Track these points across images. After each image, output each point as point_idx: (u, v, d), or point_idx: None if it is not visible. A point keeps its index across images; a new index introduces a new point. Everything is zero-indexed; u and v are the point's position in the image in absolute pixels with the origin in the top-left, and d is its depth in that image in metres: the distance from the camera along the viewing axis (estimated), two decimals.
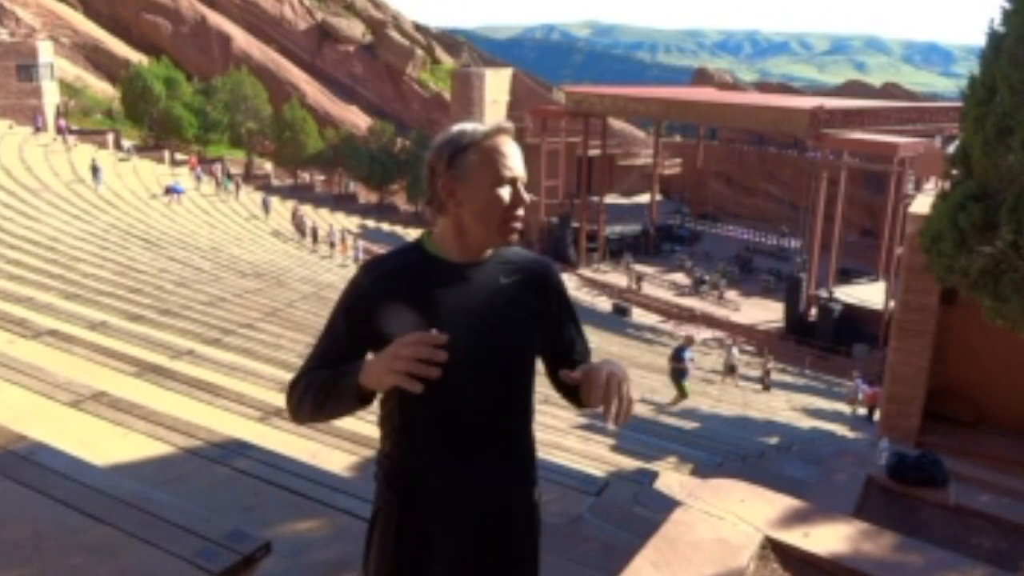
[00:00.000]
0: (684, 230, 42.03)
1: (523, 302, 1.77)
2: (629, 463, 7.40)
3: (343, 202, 45.60)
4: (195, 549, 2.79)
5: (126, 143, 40.82)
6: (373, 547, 1.88)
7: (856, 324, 27.48)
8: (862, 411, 17.51)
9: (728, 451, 9.85)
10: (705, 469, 8.00)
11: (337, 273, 25.73)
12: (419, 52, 58.84)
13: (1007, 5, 7.17)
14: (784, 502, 3.32)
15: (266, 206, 35.24)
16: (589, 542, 3.84)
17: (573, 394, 1.86)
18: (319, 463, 4.52)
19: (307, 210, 38.97)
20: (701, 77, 56.45)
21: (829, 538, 3.08)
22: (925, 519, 5.22)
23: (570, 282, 33.60)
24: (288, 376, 7.86)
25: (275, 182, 44.64)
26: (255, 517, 3.50)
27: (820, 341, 26.77)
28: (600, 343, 19.77)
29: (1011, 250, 6.79)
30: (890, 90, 48.47)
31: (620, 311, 31.26)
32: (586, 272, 36.73)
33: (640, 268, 35.34)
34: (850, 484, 5.63)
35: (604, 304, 32.51)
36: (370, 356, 1.72)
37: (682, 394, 13.95)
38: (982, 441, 8.74)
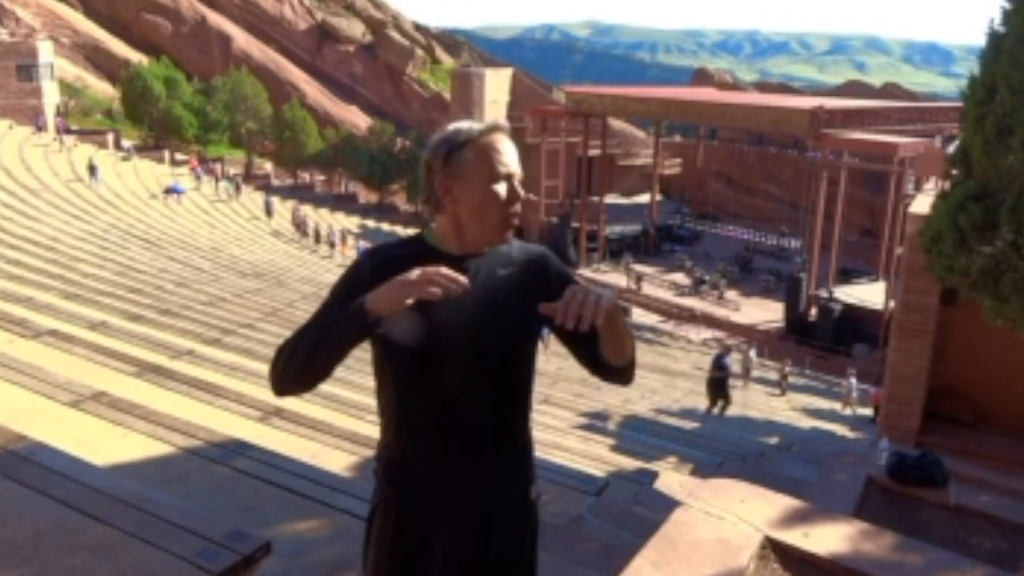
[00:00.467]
0: (684, 230, 42.01)
1: (521, 292, 1.78)
2: (629, 463, 7.40)
3: (343, 202, 45.61)
4: (195, 549, 2.79)
5: (126, 143, 40.82)
6: (371, 542, 1.89)
7: (856, 324, 27.47)
8: (864, 411, 17.50)
9: (728, 451, 9.85)
10: (705, 469, 8.00)
11: (337, 273, 25.68)
12: (419, 52, 58.85)
13: (1007, 5, 7.17)
14: (784, 502, 3.32)
15: (268, 208, 35.15)
16: (589, 542, 3.84)
17: (595, 367, 1.84)
18: (319, 463, 4.52)
19: (307, 210, 38.96)
20: (701, 77, 56.44)
21: (829, 538, 3.08)
22: (925, 519, 5.22)
23: None
24: None
25: (275, 182, 44.64)
26: (255, 517, 3.50)
27: (820, 341, 26.76)
28: None
29: (1011, 250, 6.79)
30: (890, 90, 48.46)
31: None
32: (586, 272, 36.72)
33: (640, 268, 35.33)
34: (850, 484, 5.63)
35: None
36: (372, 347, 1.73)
37: (727, 401, 14.03)
38: (982, 441, 8.74)
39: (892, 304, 20.48)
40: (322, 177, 48.63)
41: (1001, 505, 5.50)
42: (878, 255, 30.12)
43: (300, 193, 43.68)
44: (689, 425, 12.34)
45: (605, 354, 1.77)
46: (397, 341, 1.68)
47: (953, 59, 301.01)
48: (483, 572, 1.83)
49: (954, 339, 9.12)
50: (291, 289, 18.60)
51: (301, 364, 1.71)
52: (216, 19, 55.24)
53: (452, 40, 70.24)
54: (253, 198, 38.15)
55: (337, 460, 4.98)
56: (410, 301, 1.54)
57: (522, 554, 1.89)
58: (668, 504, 4.45)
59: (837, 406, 18.16)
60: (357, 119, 53.85)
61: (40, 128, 36.01)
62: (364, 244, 33.33)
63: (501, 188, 1.72)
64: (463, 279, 1.55)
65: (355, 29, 58.78)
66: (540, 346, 1.98)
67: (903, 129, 29.68)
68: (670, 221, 42.39)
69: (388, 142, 47.48)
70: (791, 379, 20.16)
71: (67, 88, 45.45)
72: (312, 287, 19.88)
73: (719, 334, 29.45)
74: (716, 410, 13.97)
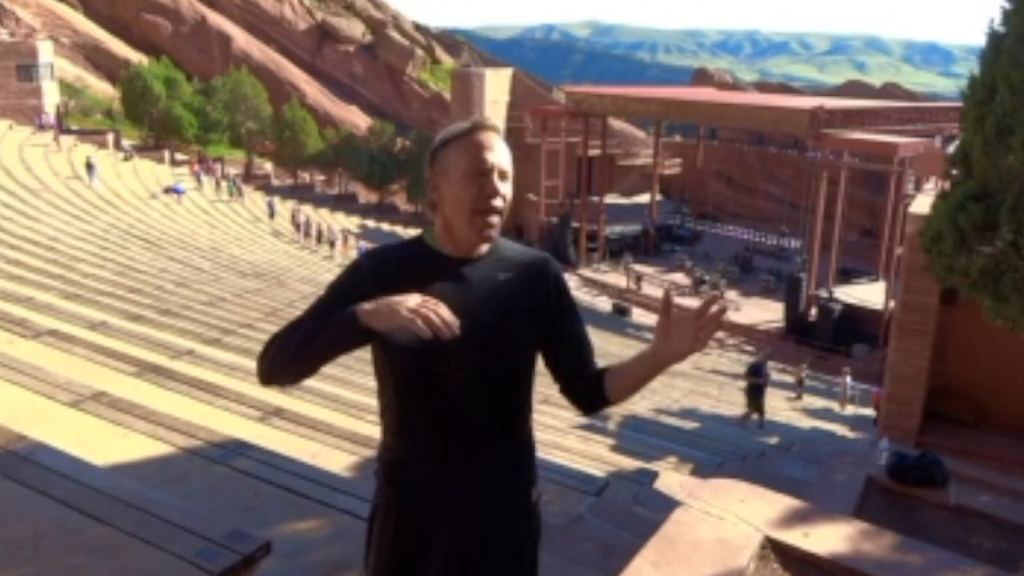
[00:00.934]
0: (684, 230, 41.99)
1: (521, 297, 1.78)
2: (629, 463, 7.40)
3: (343, 202, 45.60)
4: (195, 549, 2.79)
5: (127, 143, 40.82)
6: (372, 543, 1.89)
7: (856, 324, 27.47)
8: (864, 411, 17.49)
9: (728, 451, 9.86)
10: (705, 469, 8.00)
11: (337, 273, 25.69)
12: (419, 52, 58.84)
13: (1007, 5, 7.17)
14: (784, 502, 3.32)
15: (271, 209, 35.03)
16: (589, 542, 3.84)
17: (577, 394, 1.88)
18: (319, 463, 4.52)
19: (307, 210, 38.96)
20: (701, 77, 56.42)
21: (829, 538, 3.08)
22: (925, 519, 5.22)
23: (570, 282, 33.19)
24: None
25: (275, 182, 44.63)
26: (255, 517, 3.50)
27: (820, 341, 26.75)
28: (600, 343, 19.76)
29: (1011, 250, 6.79)
30: (890, 90, 48.41)
31: (620, 311, 31.25)
32: (586, 272, 36.72)
33: (640, 268, 35.32)
34: (850, 484, 5.64)
35: (604, 304, 32.50)
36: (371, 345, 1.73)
37: (759, 410, 13.81)
38: (982, 441, 8.75)
39: (892, 304, 20.48)
40: (322, 177, 48.62)
41: (1001, 505, 5.50)
42: (878, 255, 30.11)
43: (300, 193, 43.67)
44: (689, 425, 12.35)
45: (619, 391, 1.84)
46: (398, 341, 1.68)
47: (953, 59, 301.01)
48: (484, 573, 1.83)
49: (954, 339, 9.13)
50: (291, 289, 18.60)
51: (289, 361, 1.69)
52: (216, 19, 55.24)
53: (452, 40, 70.23)
54: (254, 198, 38.14)
55: (337, 460, 4.98)
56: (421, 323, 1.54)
57: (523, 555, 1.89)
58: (668, 504, 4.45)
59: (836, 406, 18.16)
60: (357, 119, 53.84)
61: (43, 127, 36.00)
62: (365, 244, 33.33)
63: (476, 183, 1.72)
64: (455, 326, 1.54)
65: (355, 29, 58.77)
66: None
67: (903, 129, 29.67)
68: (670, 221, 42.37)
69: (388, 142, 47.46)
70: (791, 379, 20.13)
71: (67, 88, 45.45)
72: (312, 287, 19.87)
73: (719, 334, 29.46)
74: (755, 417, 13.75)
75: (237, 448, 4.40)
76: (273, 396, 6.62)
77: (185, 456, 4.30)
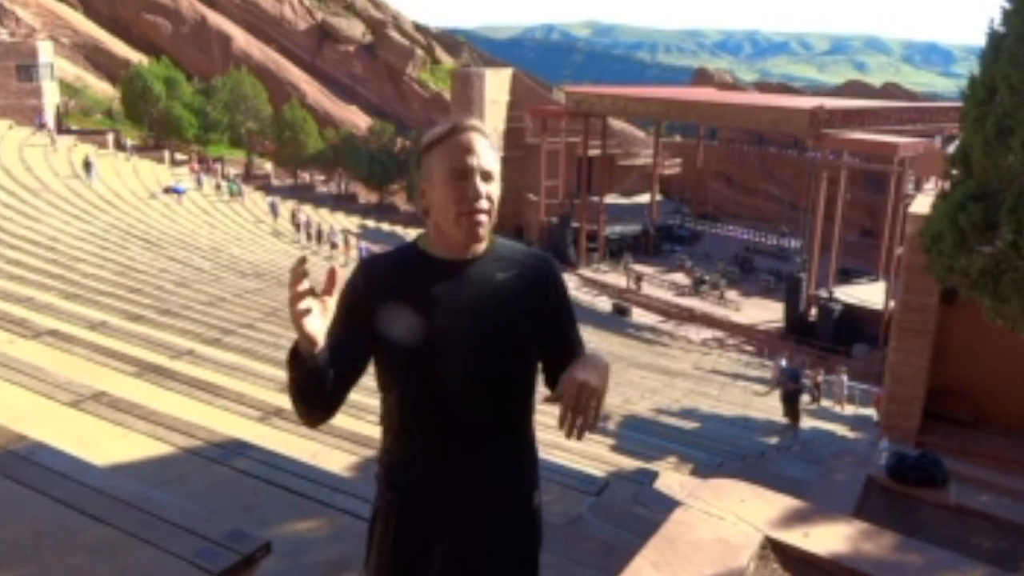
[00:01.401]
0: (684, 230, 42.01)
1: (520, 298, 1.77)
2: (629, 463, 7.40)
3: (343, 202, 45.60)
4: (195, 549, 2.79)
5: (128, 143, 40.83)
6: (373, 546, 1.88)
7: (856, 324, 27.48)
8: (864, 411, 17.49)
9: (728, 451, 9.86)
10: (705, 469, 8.00)
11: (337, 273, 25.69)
12: (419, 52, 58.84)
13: (1007, 5, 7.17)
14: (784, 502, 3.32)
15: (274, 210, 34.94)
16: (589, 542, 3.84)
17: None
18: (319, 463, 4.52)
19: (307, 210, 38.96)
20: (701, 77, 56.44)
21: (829, 538, 3.08)
22: (925, 519, 5.22)
23: (570, 282, 33.60)
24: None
25: (275, 182, 44.64)
26: (255, 517, 3.50)
27: (820, 341, 26.76)
28: (600, 343, 19.79)
29: (1011, 250, 6.79)
30: (890, 90, 48.43)
31: (620, 311, 31.27)
32: (586, 272, 36.73)
33: (640, 268, 35.33)
34: (850, 484, 5.64)
35: (604, 304, 32.51)
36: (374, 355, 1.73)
37: (796, 416, 13.11)
38: (982, 441, 8.75)
39: (892, 304, 20.47)
40: (322, 177, 48.62)
41: (1001, 505, 5.50)
42: (878, 255, 30.12)
43: (300, 193, 43.67)
44: (689, 425, 12.34)
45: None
46: (397, 340, 1.68)
47: (953, 59, 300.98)
48: (484, 575, 1.83)
49: (954, 339, 9.13)
50: None
51: (308, 408, 1.68)
52: (216, 19, 55.24)
53: (452, 40, 70.21)
54: (254, 198, 38.13)
55: (337, 460, 4.98)
56: (303, 306, 1.52)
57: (524, 558, 1.89)
58: (668, 504, 4.45)
59: (837, 406, 18.16)
60: (357, 119, 53.84)
61: (43, 127, 35.99)
62: (365, 245, 33.31)
63: (458, 185, 1.71)
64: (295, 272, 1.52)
65: (355, 29, 58.76)
66: None
67: (903, 129, 29.67)
68: (670, 221, 42.39)
69: (388, 142, 47.46)
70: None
71: (67, 88, 45.45)
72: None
73: (719, 334, 29.47)
74: (792, 424, 13.02)
75: (237, 448, 4.40)
76: (273, 396, 6.62)
77: (185, 456, 4.29)
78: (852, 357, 25.72)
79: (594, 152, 38.29)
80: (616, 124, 44.56)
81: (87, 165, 29.70)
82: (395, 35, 59.17)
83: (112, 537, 2.85)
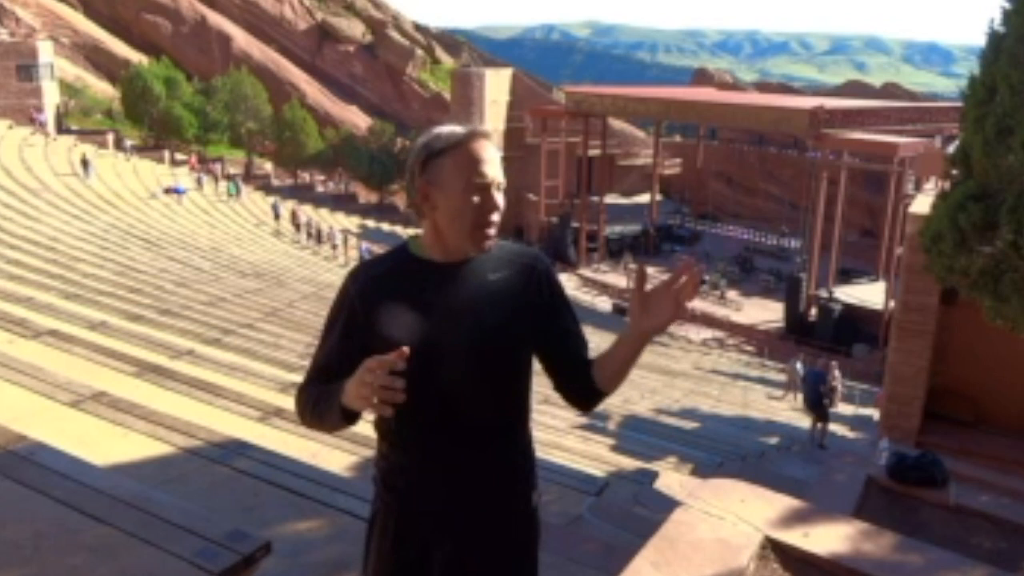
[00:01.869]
0: (684, 230, 42.00)
1: (512, 296, 1.76)
2: (629, 463, 7.41)
3: (343, 202, 45.59)
4: (195, 549, 2.79)
5: (127, 143, 40.82)
6: (372, 548, 1.88)
7: (856, 324, 27.47)
8: (865, 411, 17.48)
9: (728, 451, 9.87)
10: (705, 469, 8.01)
11: (337, 273, 25.75)
12: (419, 52, 58.82)
13: (1007, 5, 7.17)
14: (784, 502, 3.32)
15: (276, 212, 34.84)
16: (589, 542, 3.84)
17: (571, 390, 1.85)
18: (319, 463, 4.52)
19: (307, 210, 38.96)
20: (701, 77, 56.40)
21: (829, 538, 3.08)
22: (925, 519, 5.22)
23: (570, 282, 33.59)
24: (288, 376, 7.88)
25: (275, 182, 44.63)
26: (255, 517, 3.50)
27: (820, 341, 26.73)
28: (600, 343, 19.76)
29: (1011, 250, 6.79)
30: (890, 90, 48.39)
31: (620, 311, 31.24)
32: (586, 272, 36.73)
33: None
34: (850, 484, 5.64)
35: (604, 304, 32.51)
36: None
37: (825, 419, 12.46)
38: (982, 441, 8.75)
39: (892, 304, 20.47)
40: (322, 177, 48.62)
41: (1001, 505, 5.50)
42: (878, 255, 30.12)
43: (300, 193, 43.66)
44: (689, 425, 12.34)
45: (607, 378, 1.77)
46: (392, 345, 1.68)
47: (953, 59, 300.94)
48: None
49: (954, 339, 9.12)
50: (291, 289, 18.61)
51: (318, 427, 1.80)
52: (216, 19, 55.23)
53: (452, 40, 70.18)
54: (254, 199, 38.12)
55: (337, 460, 4.98)
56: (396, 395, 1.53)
57: (523, 560, 1.88)
58: (668, 504, 4.45)
59: (837, 406, 18.15)
60: (357, 119, 53.82)
61: (41, 125, 35.96)
62: (367, 245, 33.29)
63: (477, 198, 1.69)
64: (388, 359, 1.51)
65: (355, 29, 58.75)
66: None
67: (903, 129, 29.66)
68: (670, 221, 42.37)
69: (388, 142, 47.46)
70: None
71: (67, 88, 45.44)
72: (312, 287, 19.88)
73: (719, 334, 29.46)
74: (819, 427, 12.38)
75: (237, 448, 4.40)
76: (273, 396, 6.62)
77: (185, 456, 4.29)
78: (852, 357, 25.72)
79: (594, 152, 38.29)
80: (616, 124, 44.56)
81: (85, 163, 30.01)
82: (395, 35, 59.16)
83: (112, 537, 2.85)
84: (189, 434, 4.60)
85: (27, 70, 38.57)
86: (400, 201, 48.27)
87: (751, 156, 45.66)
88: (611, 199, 40.44)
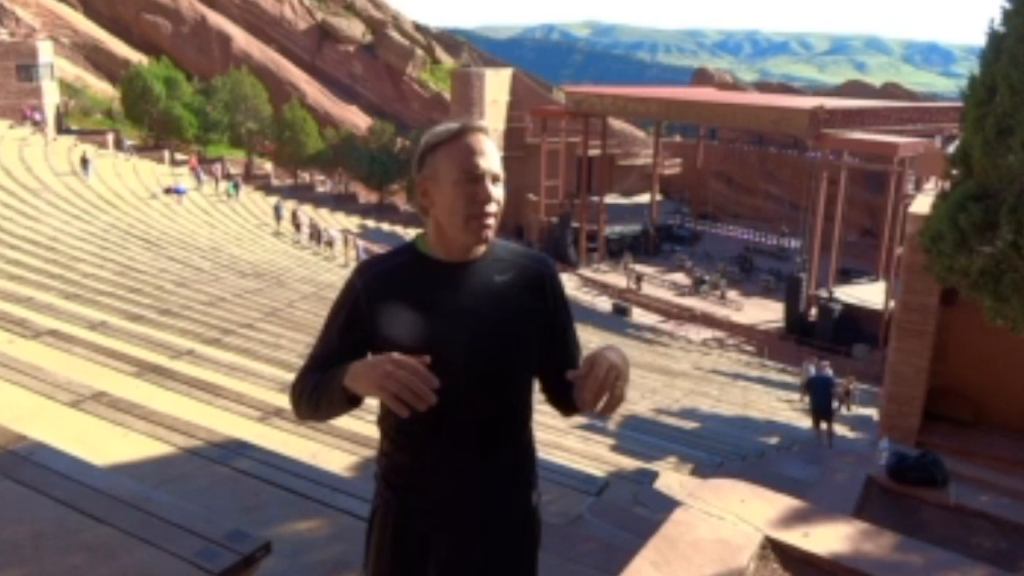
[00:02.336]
0: (684, 230, 42.02)
1: (518, 300, 1.77)
2: (629, 463, 7.41)
3: (343, 202, 45.59)
4: (195, 549, 2.79)
5: (126, 142, 40.81)
6: (371, 545, 1.88)
7: (856, 324, 27.48)
8: (865, 411, 17.47)
9: (728, 451, 9.87)
10: (705, 469, 8.01)
11: (337, 273, 25.75)
12: (419, 52, 58.81)
13: (1007, 5, 7.17)
14: (784, 502, 3.32)
15: (278, 213, 34.80)
16: (589, 542, 3.84)
17: (560, 399, 1.87)
18: (319, 463, 4.52)
19: (307, 210, 38.96)
20: (701, 77, 56.41)
21: (829, 538, 3.08)
22: (925, 519, 5.21)
23: (570, 282, 33.58)
24: (288, 376, 7.87)
25: (275, 182, 44.62)
26: (255, 517, 3.50)
27: (820, 341, 26.76)
28: (600, 343, 19.74)
29: (1011, 250, 6.79)
30: (890, 90, 48.40)
31: (620, 311, 31.26)
32: (586, 272, 36.73)
33: (640, 268, 35.33)
34: (850, 484, 5.63)
35: (604, 304, 32.51)
36: (370, 356, 1.72)
37: (829, 420, 12.33)
38: (982, 441, 8.74)
39: (892, 304, 20.46)
40: (321, 177, 48.62)
41: (1001, 505, 5.50)
42: (878, 255, 30.12)
43: (300, 193, 43.65)
44: (689, 425, 12.34)
45: (581, 405, 1.69)
46: (396, 344, 1.68)
47: (953, 59, 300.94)
48: (483, 575, 1.83)
49: (954, 339, 9.12)
50: (291, 289, 18.61)
51: (311, 415, 1.77)
52: (216, 19, 55.22)
53: (452, 40, 70.15)
54: (254, 199, 38.10)
55: (337, 460, 4.98)
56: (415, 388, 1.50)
57: (523, 559, 1.88)
58: (668, 504, 4.45)
59: (839, 407, 18.14)
60: (357, 119, 53.82)
61: (35, 123, 35.93)
62: (363, 245, 33.27)
63: (469, 189, 1.69)
64: (429, 396, 1.48)
65: (355, 29, 58.74)
66: None
67: (903, 129, 29.67)
68: (670, 221, 42.40)
69: (388, 142, 47.43)
70: (791, 379, 20.11)
71: (67, 88, 45.43)
72: (312, 287, 19.88)
73: (719, 334, 29.47)
74: (823, 427, 12.33)
75: (237, 448, 4.40)
76: (273, 396, 6.62)
77: (185, 456, 4.29)
78: (852, 357, 25.72)
79: (594, 152, 38.30)
80: (616, 124, 44.57)
81: (84, 162, 30.11)
82: (395, 35, 59.15)
83: (112, 537, 2.85)
84: (189, 434, 4.60)
85: (27, 70, 38.57)
86: (400, 201, 48.31)
87: (751, 156, 45.68)
88: (611, 199, 40.45)
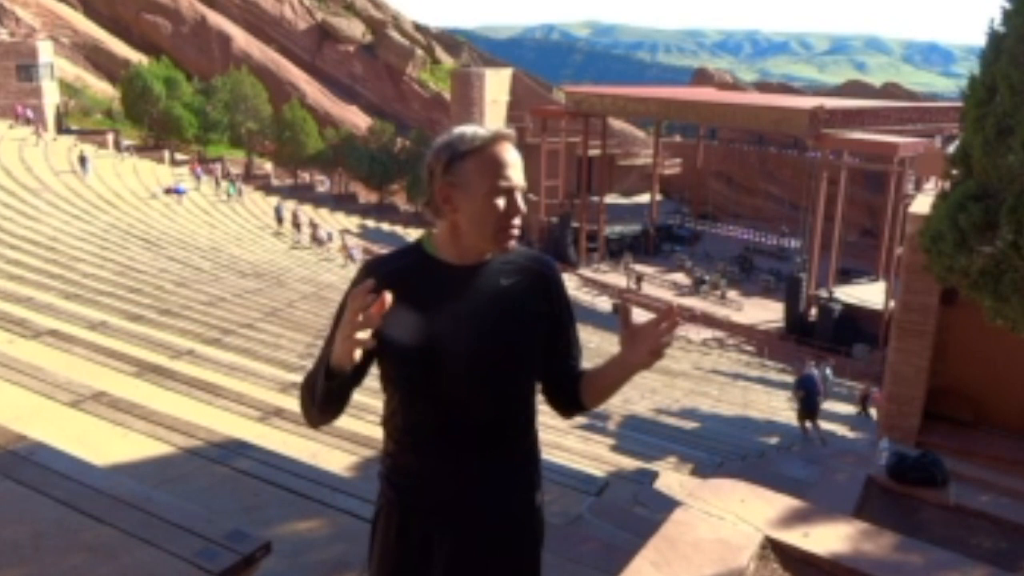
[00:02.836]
0: (684, 230, 42.02)
1: (524, 304, 1.77)
2: (629, 463, 7.40)
3: (343, 202, 45.59)
4: (195, 549, 2.79)
5: (127, 142, 40.81)
6: (375, 545, 1.88)
7: (856, 324, 27.48)
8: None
9: (728, 451, 9.86)
10: (705, 469, 8.00)
11: (337, 274, 25.75)
12: (419, 52, 58.80)
13: (1007, 5, 7.17)
14: (784, 502, 3.32)
15: (279, 214, 34.77)
16: (589, 542, 3.84)
17: (557, 398, 1.89)
18: (319, 463, 4.52)
19: (307, 210, 38.95)
20: (701, 77, 56.40)
21: (829, 538, 3.08)
22: (925, 519, 5.21)
23: (570, 282, 33.58)
24: (288, 376, 7.88)
25: (275, 182, 44.62)
26: (255, 517, 3.50)
27: (820, 341, 26.76)
28: (600, 343, 19.79)
29: (1011, 250, 6.79)
30: (890, 90, 48.39)
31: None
32: (586, 272, 36.73)
33: (640, 268, 35.33)
34: (850, 484, 5.64)
35: (604, 304, 32.51)
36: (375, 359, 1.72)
37: (813, 418, 12.40)
38: (982, 441, 8.74)
39: (892, 304, 20.46)
40: (321, 177, 48.62)
41: (1001, 505, 5.50)
42: (878, 255, 30.12)
43: (300, 193, 43.65)
44: (689, 425, 12.34)
45: (592, 397, 1.84)
46: (401, 345, 1.67)
47: (953, 59, 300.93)
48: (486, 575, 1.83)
49: (954, 339, 9.11)
50: (291, 289, 18.61)
51: (319, 412, 1.74)
52: (216, 19, 55.21)
53: (452, 40, 70.12)
54: (254, 199, 38.09)
55: (337, 460, 4.98)
56: (361, 335, 1.52)
57: (525, 560, 1.89)
58: (668, 504, 4.46)
59: (838, 406, 18.15)
60: (357, 119, 53.81)
61: (28, 122, 35.90)
62: (355, 245, 33.24)
63: (501, 201, 1.69)
64: (368, 291, 1.50)
65: (355, 29, 58.73)
66: None
67: (903, 129, 29.67)
68: (670, 221, 42.40)
69: (388, 142, 47.44)
70: (791, 379, 20.06)
71: (67, 88, 45.42)
72: (312, 287, 19.88)
73: (719, 334, 29.47)
74: (808, 426, 12.34)
75: (237, 448, 4.40)
76: (273, 396, 6.62)
77: (185, 456, 4.29)
78: (852, 357, 25.72)
79: (594, 152, 38.30)
80: (616, 124, 44.57)
81: (83, 160, 30.22)
82: (395, 35, 59.14)
83: (112, 537, 2.85)
84: (189, 434, 4.60)
85: (27, 70, 38.55)
86: (400, 201, 48.30)
87: (751, 156, 45.66)
88: (611, 199, 40.46)
